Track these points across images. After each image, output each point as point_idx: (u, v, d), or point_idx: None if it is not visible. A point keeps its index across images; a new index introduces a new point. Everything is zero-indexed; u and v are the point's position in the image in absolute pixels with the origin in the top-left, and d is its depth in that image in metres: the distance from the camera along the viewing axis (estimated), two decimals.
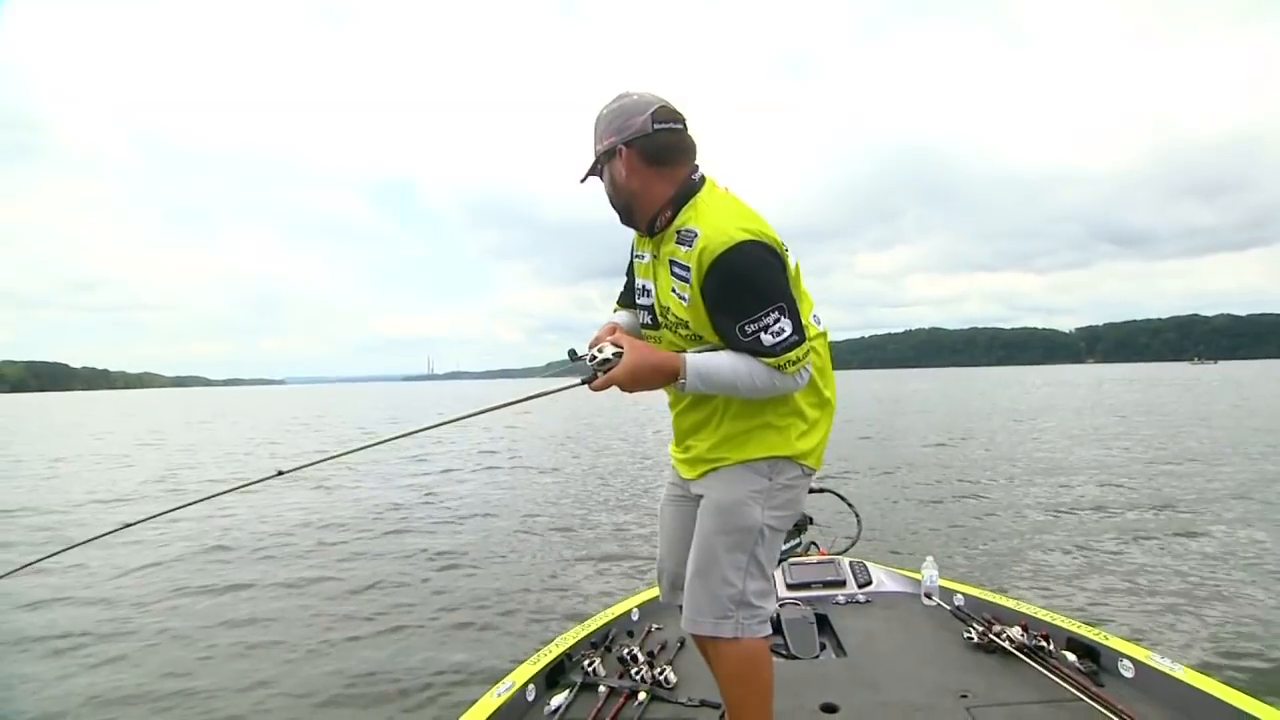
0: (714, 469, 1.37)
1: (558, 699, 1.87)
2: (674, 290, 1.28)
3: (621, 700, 1.87)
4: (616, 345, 1.26)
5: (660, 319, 1.36)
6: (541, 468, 10.61)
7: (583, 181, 1.37)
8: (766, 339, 1.18)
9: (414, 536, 6.18)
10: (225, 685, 3.12)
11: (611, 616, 2.40)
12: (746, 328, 1.19)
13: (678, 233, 1.26)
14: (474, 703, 1.77)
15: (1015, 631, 2.13)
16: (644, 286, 1.41)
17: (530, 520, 6.68)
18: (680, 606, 1.45)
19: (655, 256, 1.34)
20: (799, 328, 1.21)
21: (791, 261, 1.27)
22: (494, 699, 1.77)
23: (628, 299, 1.57)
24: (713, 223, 1.20)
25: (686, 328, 1.28)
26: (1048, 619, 2.25)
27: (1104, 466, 9.00)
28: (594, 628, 2.29)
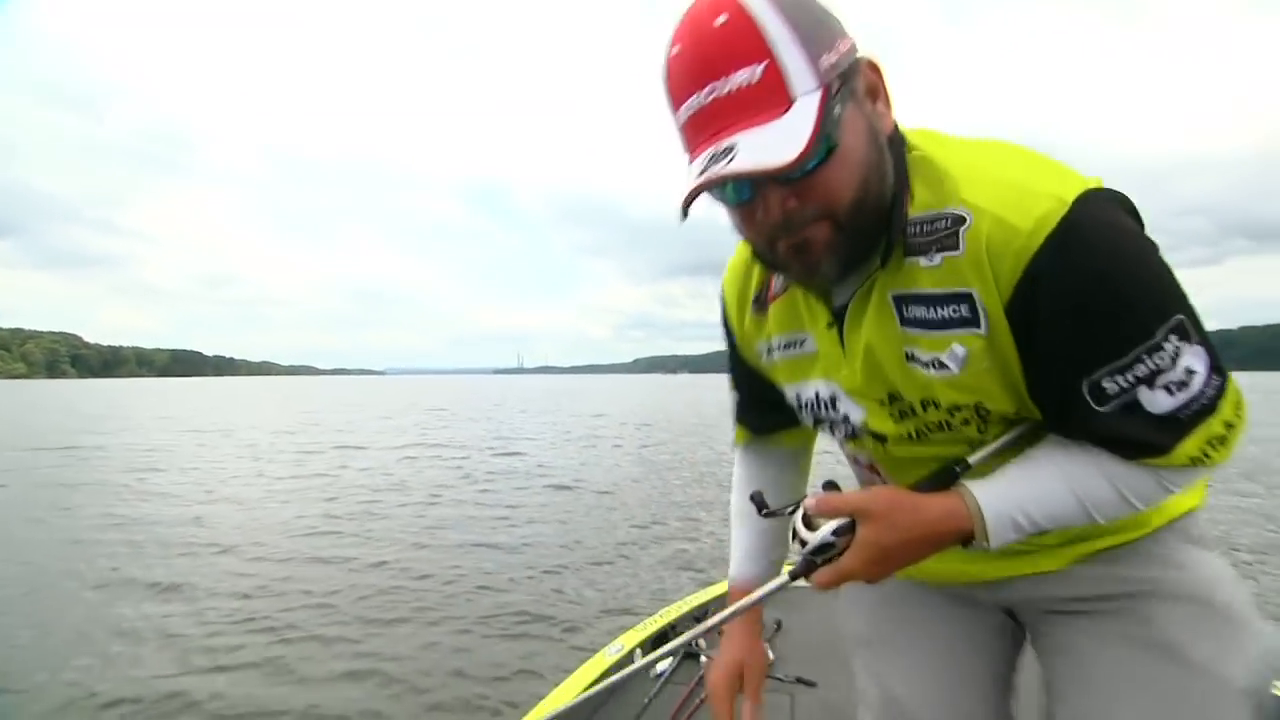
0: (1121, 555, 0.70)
1: (663, 664, 2.01)
2: (922, 360, 0.61)
3: None
4: (837, 513, 0.63)
5: (895, 426, 0.67)
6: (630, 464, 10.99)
7: (728, 202, 0.59)
8: (1159, 402, 0.54)
9: (530, 525, 6.60)
10: (352, 641, 3.54)
11: (713, 595, 2.51)
12: (1111, 384, 0.55)
13: (907, 238, 0.59)
14: (587, 660, 1.93)
15: None
16: (821, 397, 0.72)
17: (624, 502, 7.00)
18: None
19: (836, 322, 0.66)
20: (1217, 360, 0.55)
21: None
22: (606, 658, 1.92)
23: (766, 420, 0.87)
24: (995, 182, 0.56)
25: (960, 413, 0.63)
26: None
27: None
28: (696, 603, 2.42)
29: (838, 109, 0.52)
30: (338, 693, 2.97)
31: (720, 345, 0.87)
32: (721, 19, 0.50)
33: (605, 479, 8.83)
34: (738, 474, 0.93)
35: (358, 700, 2.91)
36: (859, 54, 0.56)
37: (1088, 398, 0.56)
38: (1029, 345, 0.57)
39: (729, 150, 0.50)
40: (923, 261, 0.59)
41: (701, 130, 0.53)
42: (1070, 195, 0.54)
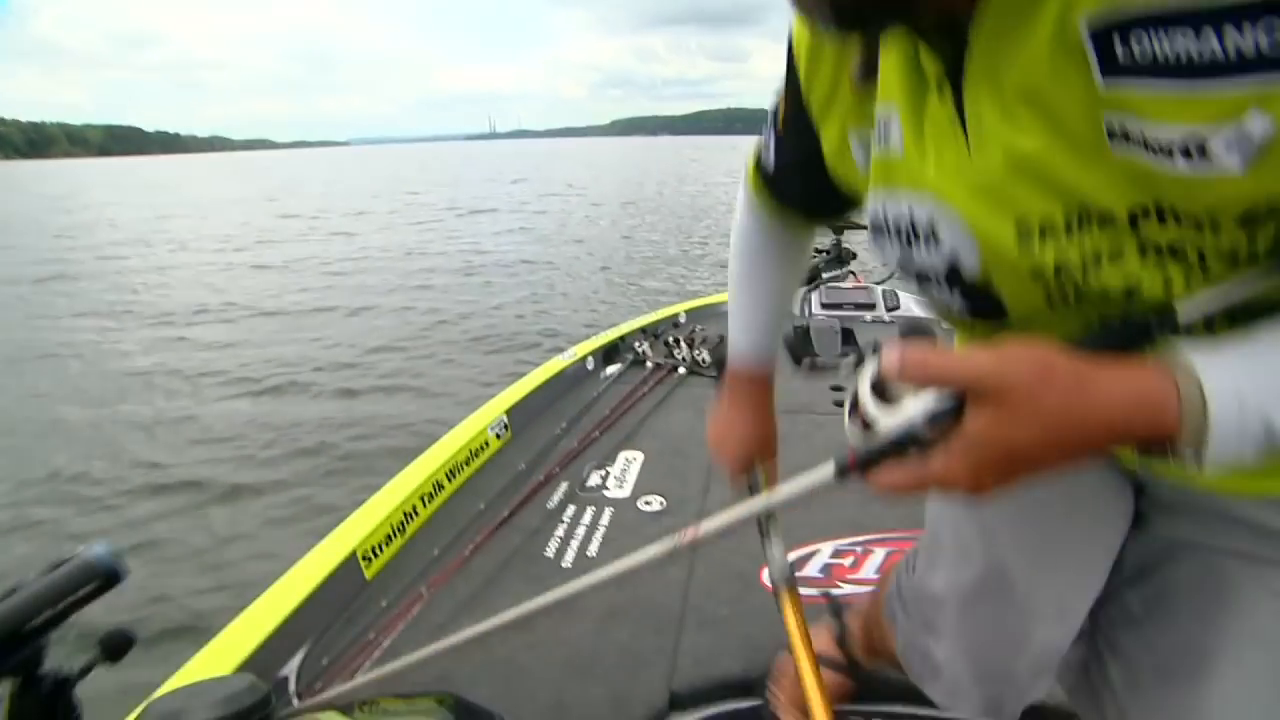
0: None
1: (612, 369, 2.30)
2: (1152, 140, 0.30)
3: (664, 373, 2.27)
4: (938, 381, 0.36)
5: (1034, 287, 0.41)
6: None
7: None
8: None
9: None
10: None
11: (663, 315, 2.79)
12: None
13: None
14: (542, 364, 2.19)
15: None
16: (917, 222, 0.44)
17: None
18: None
19: (951, 83, 0.38)
20: None
21: None
22: (560, 362, 2.18)
23: (808, 198, 0.60)
24: None
25: (1189, 238, 0.34)
26: None
27: None
28: (646, 322, 2.68)
29: None
30: (360, 375, 4.05)
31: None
32: None
33: (580, 231, 10.39)
34: (746, 241, 0.69)
35: (384, 405, 3.76)
36: None
37: None
38: None
39: None
40: None
41: None
42: None
